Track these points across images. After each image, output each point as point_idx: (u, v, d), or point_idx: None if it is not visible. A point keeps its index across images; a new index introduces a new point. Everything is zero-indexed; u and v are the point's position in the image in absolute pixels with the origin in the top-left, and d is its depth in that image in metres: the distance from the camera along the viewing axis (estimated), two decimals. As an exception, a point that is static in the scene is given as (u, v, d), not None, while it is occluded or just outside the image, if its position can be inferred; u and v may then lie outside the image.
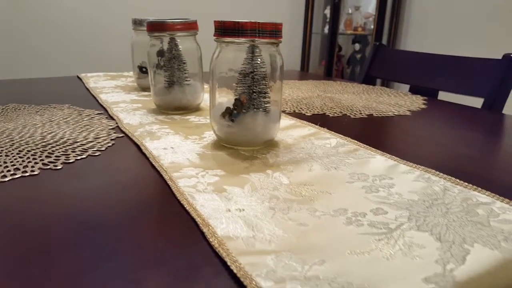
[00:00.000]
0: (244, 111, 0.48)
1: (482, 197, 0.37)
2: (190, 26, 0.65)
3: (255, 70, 0.47)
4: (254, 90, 0.48)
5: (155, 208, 0.35)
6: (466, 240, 0.29)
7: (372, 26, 2.49)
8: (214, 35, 0.47)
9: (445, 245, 0.28)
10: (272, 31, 0.45)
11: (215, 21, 0.46)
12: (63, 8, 2.06)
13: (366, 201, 0.36)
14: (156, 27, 0.64)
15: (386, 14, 2.42)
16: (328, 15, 2.59)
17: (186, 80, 0.67)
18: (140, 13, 1.76)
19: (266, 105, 0.49)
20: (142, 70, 0.89)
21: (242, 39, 0.45)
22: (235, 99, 0.48)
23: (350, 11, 2.65)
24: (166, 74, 0.67)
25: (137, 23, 0.87)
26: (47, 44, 2.06)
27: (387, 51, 1.29)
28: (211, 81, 0.49)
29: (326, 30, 2.66)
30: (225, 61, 0.48)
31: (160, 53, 0.68)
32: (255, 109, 0.48)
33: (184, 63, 0.67)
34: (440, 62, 1.09)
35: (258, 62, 0.47)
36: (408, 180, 0.41)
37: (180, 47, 0.66)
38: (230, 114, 0.48)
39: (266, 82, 0.49)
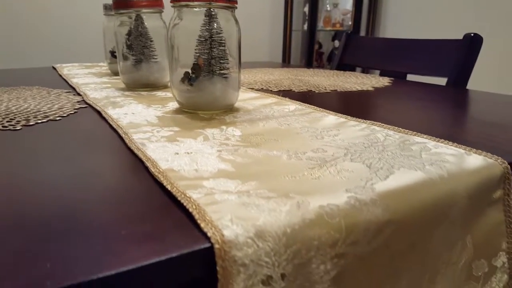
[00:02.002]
0: (203, 75, 0.50)
1: (419, 139, 0.39)
2: (155, 3, 0.67)
3: (212, 35, 0.49)
4: (213, 56, 0.50)
5: (108, 158, 0.36)
6: (394, 166, 0.31)
7: (350, 23, 2.53)
8: (170, 1, 0.49)
9: (373, 170, 0.30)
10: (226, -5, 0.47)
11: (171, -12, 0.48)
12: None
13: (310, 144, 0.38)
14: (121, 4, 0.66)
15: (363, 10, 2.47)
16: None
17: (153, 58, 0.69)
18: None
19: (224, 71, 0.51)
20: (114, 54, 0.90)
21: (196, 3, 0.47)
22: (193, 63, 0.50)
23: (328, 8, 2.69)
24: (134, 52, 0.68)
25: (107, 8, 0.89)
26: (22, 36, 2.05)
27: (358, 39, 1.33)
28: (169, 47, 0.51)
29: (306, 27, 2.70)
30: (183, 27, 0.50)
31: (129, 33, 0.70)
32: (213, 74, 0.50)
33: (151, 40, 0.68)
34: (407, 46, 1.12)
35: (215, 27, 0.49)
36: (354, 130, 0.43)
37: (146, 24, 0.67)
38: (189, 79, 0.50)
39: (224, 48, 0.50)
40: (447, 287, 0.32)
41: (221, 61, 0.50)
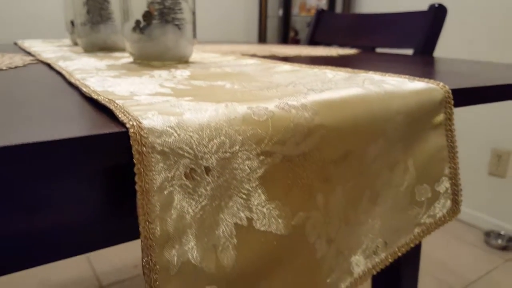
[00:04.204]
0: (154, 23, 0.48)
1: (366, 73, 0.39)
2: (111, -38, 0.65)
3: (164, -16, 0.48)
4: (165, 5, 0.49)
5: (46, 89, 0.35)
6: (333, 87, 0.31)
7: (325, 8, 2.54)
8: None
9: (311, 89, 0.30)
10: None
11: None
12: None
13: (258, 79, 0.37)
14: (75, -37, 0.64)
15: (337, -4, 2.47)
16: (282, -1, 2.62)
17: (111, 20, 0.67)
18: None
19: (177, 22, 0.50)
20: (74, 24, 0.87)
21: None
22: (145, 11, 0.48)
23: (303, -6, 2.69)
24: (91, 14, 0.66)
25: (67, -24, 0.86)
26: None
27: (329, 15, 1.33)
28: (121, -4, 0.50)
29: (280, 13, 2.69)
30: (134, -25, 0.49)
31: (87, -3, 0.68)
32: (166, 23, 0.49)
33: (108, 2, 0.67)
34: (375, 21, 1.13)
35: (167, -25, 0.48)
36: (306, 72, 0.42)
37: (102, -16, 0.65)
38: (141, 27, 0.49)
39: (178, -2, 0.49)
40: (388, 210, 0.32)
41: (174, 10, 0.49)
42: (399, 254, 0.33)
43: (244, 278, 0.24)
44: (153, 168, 0.20)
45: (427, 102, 0.32)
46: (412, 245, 0.33)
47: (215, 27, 2.43)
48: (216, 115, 0.22)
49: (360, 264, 0.30)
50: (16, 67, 0.49)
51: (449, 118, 0.34)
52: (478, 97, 0.36)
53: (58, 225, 0.23)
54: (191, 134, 0.21)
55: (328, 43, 1.28)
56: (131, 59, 0.54)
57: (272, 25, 2.84)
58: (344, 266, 0.29)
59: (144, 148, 0.20)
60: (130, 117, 0.20)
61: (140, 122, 0.20)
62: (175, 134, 0.20)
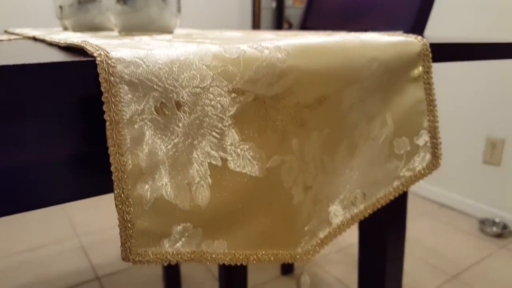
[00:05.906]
0: (138, -6, 0.48)
1: (345, 33, 0.39)
2: None
3: (147, -45, 0.48)
4: (149, -24, 0.49)
5: (28, 49, 0.35)
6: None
7: None
8: None
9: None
10: None
11: None
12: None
13: (241, 41, 0.37)
14: None
15: (330, -13, 2.47)
16: (276, -10, 2.62)
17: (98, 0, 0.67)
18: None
19: (162, -6, 0.50)
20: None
21: None
22: (128, -18, 0.48)
23: (297, -14, 2.69)
24: (77, -7, 0.66)
25: (55, -39, 0.86)
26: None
27: (320, 2, 1.33)
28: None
29: (274, 5, 2.69)
30: None
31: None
32: (150, -6, 0.49)
33: (94, -20, 0.67)
34: (366, 4, 1.14)
35: None
36: (290, 37, 0.43)
37: (88, -37, 0.65)
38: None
39: (161, -30, 0.49)
40: (367, 161, 0.32)
41: (159, -17, 0.49)
42: (378, 206, 0.33)
43: (219, 218, 0.24)
44: (122, 99, 0.20)
45: (404, 54, 0.32)
46: (391, 197, 0.33)
47: (208, 18, 2.43)
48: (186, 51, 0.22)
49: (338, 214, 0.31)
50: (1, 40, 0.49)
51: (427, 71, 0.34)
52: (455, 52, 0.36)
53: (22, 168, 0.22)
54: (160, 66, 0.21)
55: (319, 29, 1.28)
56: (116, 34, 0.54)
57: (266, 17, 2.84)
58: (322, 215, 0.30)
59: (112, 78, 0.20)
60: (98, 48, 0.21)
61: (108, 52, 0.20)
62: (144, 65, 0.21)
